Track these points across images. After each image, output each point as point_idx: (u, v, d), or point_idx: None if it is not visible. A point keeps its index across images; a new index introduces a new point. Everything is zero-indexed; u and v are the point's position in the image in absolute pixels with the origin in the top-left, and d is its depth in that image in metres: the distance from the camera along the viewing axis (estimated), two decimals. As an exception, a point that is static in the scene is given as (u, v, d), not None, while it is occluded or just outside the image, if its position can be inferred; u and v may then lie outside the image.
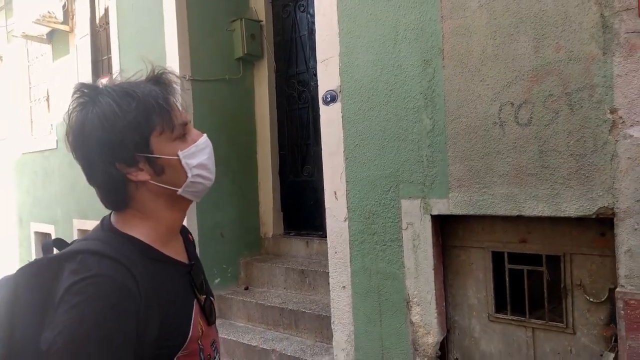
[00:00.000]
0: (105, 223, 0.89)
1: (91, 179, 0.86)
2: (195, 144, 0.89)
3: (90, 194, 0.91)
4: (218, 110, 4.20)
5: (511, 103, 2.09)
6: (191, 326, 0.88)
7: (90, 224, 4.70)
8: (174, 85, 0.90)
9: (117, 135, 0.80)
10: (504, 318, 2.33)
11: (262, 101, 4.48)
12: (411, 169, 2.44)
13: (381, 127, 2.54)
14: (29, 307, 0.76)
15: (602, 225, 2.01)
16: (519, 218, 2.17)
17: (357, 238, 2.69)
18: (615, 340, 1.97)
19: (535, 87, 2.02)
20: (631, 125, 1.80)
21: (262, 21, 4.42)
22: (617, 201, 1.85)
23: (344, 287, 2.76)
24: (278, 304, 3.68)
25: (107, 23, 4.99)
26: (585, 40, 1.89)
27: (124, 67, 4.61)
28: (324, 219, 2.89)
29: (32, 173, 6.48)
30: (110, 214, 0.91)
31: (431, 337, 2.44)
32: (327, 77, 2.81)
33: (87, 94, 0.84)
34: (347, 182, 2.71)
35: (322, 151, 2.87)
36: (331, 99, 2.86)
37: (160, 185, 0.86)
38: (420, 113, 2.39)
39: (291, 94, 4.38)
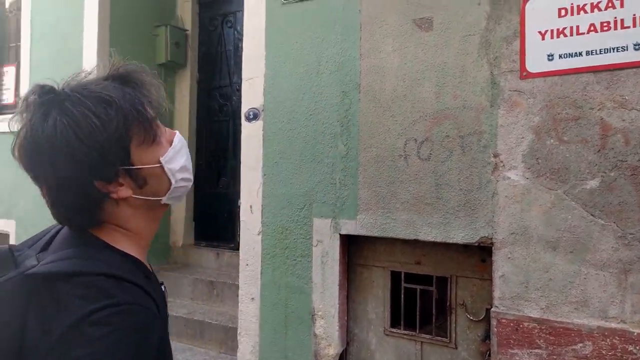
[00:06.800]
0: (88, 236, 0.74)
1: (57, 200, 0.71)
2: (172, 145, 0.78)
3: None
4: (135, 115, 4.11)
5: (415, 139, 2.35)
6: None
7: None
8: (147, 86, 0.75)
9: (97, 150, 0.67)
10: (398, 332, 2.57)
11: (182, 110, 4.47)
12: (324, 190, 2.61)
13: (299, 148, 2.70)
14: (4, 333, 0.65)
15: (483, 252, 2.31)
16: (416, 242, 2.41)
17: (269, 252, 2.80)
18: (489, 355, 2.26)
19: (435, 127, 2.29)
20: (509, 169, 2.12)
21: (187, 30, 4.44)
22: (495, 232, 2.15)
23: (252, 298, 2.85)
24: (183, 315, 3.67)
25: (19, 9, 4.70)
26: (477, 92, 2.19)
27: (35, 58, 4.36)
28: (237, 231, 2.97)
29: None
30: None
31: (332, 349, 2.60)
32: (251, 95, 2.92)
33: (48, 100, 0.68)
34: (263, 197, 2.82)
35: (241, 165, 2.96)
36: (253, 116, 2.97)
37: (143, 198, 0.75)
38: (336, 139, 2.58)
39: (212, 106, 4.42)
